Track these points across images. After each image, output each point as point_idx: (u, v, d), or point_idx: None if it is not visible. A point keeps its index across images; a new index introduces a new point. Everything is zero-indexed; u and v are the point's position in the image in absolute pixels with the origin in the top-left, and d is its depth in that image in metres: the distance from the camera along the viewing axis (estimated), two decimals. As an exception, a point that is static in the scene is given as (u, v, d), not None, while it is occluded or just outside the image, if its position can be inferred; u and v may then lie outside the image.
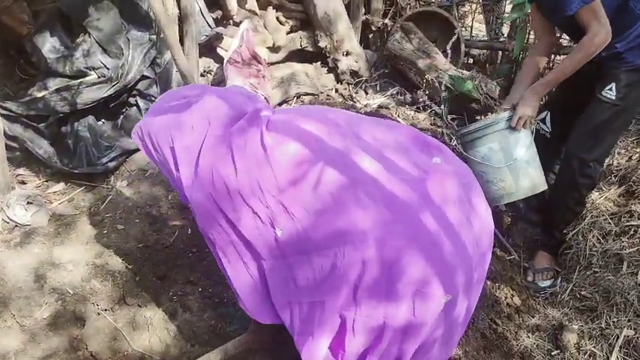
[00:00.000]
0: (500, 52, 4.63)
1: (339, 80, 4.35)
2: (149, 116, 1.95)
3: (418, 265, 1.52)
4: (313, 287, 1.62)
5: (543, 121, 2.80)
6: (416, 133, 1.91)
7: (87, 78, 2.95)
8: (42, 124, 2.95)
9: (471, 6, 4.83)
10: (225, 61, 3.55)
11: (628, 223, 2.66)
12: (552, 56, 3.75)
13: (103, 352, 2.21)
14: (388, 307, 1.54)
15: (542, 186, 2.63)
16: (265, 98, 3.59)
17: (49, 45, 2.98)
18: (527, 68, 2.76)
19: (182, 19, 3.34)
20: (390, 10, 4.75)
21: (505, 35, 4.78)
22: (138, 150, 3.16)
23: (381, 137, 1.80)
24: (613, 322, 2.39)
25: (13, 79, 3.42)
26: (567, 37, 3.18)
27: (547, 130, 2.80)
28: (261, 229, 1.68)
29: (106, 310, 2.35)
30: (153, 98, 3.15)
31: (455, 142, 3.68)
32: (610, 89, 2.43)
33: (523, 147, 2.55)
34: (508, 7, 4.78)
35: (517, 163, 2.54)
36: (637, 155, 3.00)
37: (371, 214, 1.56)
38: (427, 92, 4.05)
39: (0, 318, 2.26)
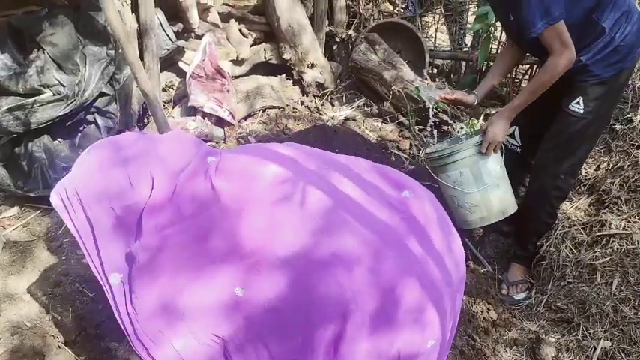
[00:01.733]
0: (464, 63, 4.66)
1: (304, 92, 4.30)
2: (77, 173, 1.75)
3: (414, 293, 1.46)
4: (286, 346, 1.51)
5: (512, 135, 2.79)
6: (381, 168, 1.82)
7: (41, 96, 2.80)
8: (-7, 146, 2.78)
9: (433, 17, 4.85)
10: (187, 75, 3.45)
11: (600, 233, 2.67)
12: (515, 66, 3.77)
13: (64, 388, 2.08)
14: (388, 336, 1.47)
15: (512, 208, 2.65)
16: (230, 112, 3.50)
17: (0, 62, 2.82)
18: (492, 70, 2.77)
19: (141, 33, 3.23)
20: (353, 21, 4.74)
21: (468, 45, 4.81)
22: (98, 170, 3.02)
23: (351, 165, 1.74)
24: (589, 333, 2.39)
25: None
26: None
27: (517, 144, 2.79)
28: (220, 290, 1.53)
29: (66, 343, 2.21)
30: (112, 115, 3.02)
31: (422, 153, 3.67)
32: (577, 103, 2.43)
33: (493, 171, 2.56)
34: (471, 18, 4.81)
35: (488, 188, 2.55)
36: (605, 164, 3.02)
37: (368, 238, 1.49)
38: (393, 103, 4.04)
39: (-50, 356, 2.10)
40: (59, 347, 2.19)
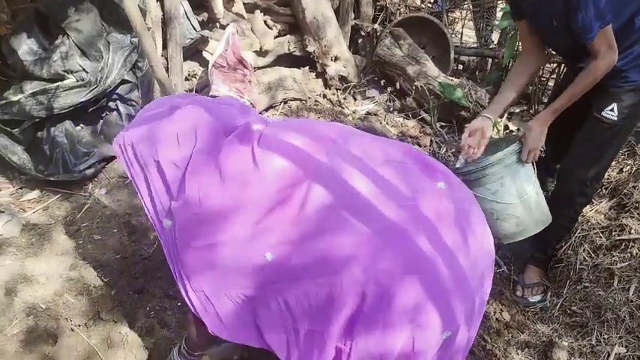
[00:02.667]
0: (490, 60, 4.58)
1: (327, 85, 4.28)
2: (133, 126, 1.85)
3: (411, 294, 1.44)
4: (309, 315, 1.55)
5: None
6: (419, 154, 1.80)
7: (65, 82, 2.84)
8: (16, 129, 2.83)
9: (460, 12, 4.78)
10: (210, 65, 3.46)
11: (619, 237, 2.60)
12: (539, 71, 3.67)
13: (75, 370, 2.11)
14: (385, 341, 1.47)
15: (550, 217, 2.47)
16: (251, 103, 3.50)
17: (25, 47, 2.87)
18: (510, 80, 2.62)
19: (166, 22, 3.25)
20: (379, 15, 4.70)
21: (495, 42, 4.73)
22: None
23: (378, 155, 1.71)
24: (604, 338, 2.34)
25: (-10, 81, 3.32)
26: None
27: (543, 149, 2.70)
28: (249, 252, 1.59)
29: (79, 326, 2.25)
30: (134, 103, 3.05)
31: (444, 149, 3.62)
32: (611, 110, 2.34)
33: (533, 179, 2.41)
34: (499, 14, 4.73)
35: (529, 197, 2.38)
36: (628, 168, 2.95)
37: (362, 240, 1.48)
38: (416, 99, 3.99)
39: (-33, 334, 2.15)
40: (72, 330, 2.23)
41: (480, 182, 2.38)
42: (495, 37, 4.87)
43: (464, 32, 4.96)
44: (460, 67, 4.94)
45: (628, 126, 2.41)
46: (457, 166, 2.47)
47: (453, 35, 4.75)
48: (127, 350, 2.19)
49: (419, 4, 4.92)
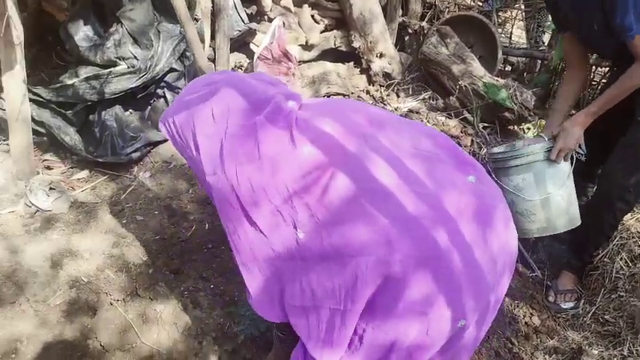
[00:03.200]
0: (539, 61, 4.49)
1: (371, 82, 4.29)
2: (175, 104, 1.94)
3: (423, 285, 1.46)
4: (331, 295, 1.57)
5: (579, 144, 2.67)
6: (453, 147, 1.80)
7: (116, 68, 2.97)
8: (70, 112, 2.97)
9: (511, 12, 4.70)
10: (255, 56, 3.54)
11: (660, 248, 2.54)
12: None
13: (111, 343, 2.22)
14: (398, 329, 1.50)
15: (576, 222, 2.48)
16: (293, 97, 3.56)
17: (82, 33, 3.01)
18: (562, 97, 2.63)
19: (215, 14, 3.34)
20: (427, 12, 4.67)
21: (546, 44, 4.64)
22: (163, 142, 3.18)
23: (407, 146, 1.72)
24: (637, 350, 2.29)
25: (49, 65, 3.49)
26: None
27: (582, 153, 2.64)
28: (282, 228, 1.63)
29: (118, 301, 2.36)
30: (180, 91, 3.15)
31: (484, 151, 3.58)
32: None
33: (560, 181, 2.39)
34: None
35: (551, 197, 2.38)
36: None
37: (379, 229, 1.50)
38: (459, 98, 3.96)
39: (15, 302, 2.28)
40: (110, 304, 2.34)
41: (506, 172, 2.46)
42: (547, 38, 4.77)
43: (515, 33, 4.88)
44: (509, 68, 4.86)
45: None
46: (493, 150, 2.58)
47: (503, 35, 4.68)
48: (160, 326, 2.29)
49: (469, 2, 4.87)
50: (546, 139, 2.46)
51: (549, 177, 2.39)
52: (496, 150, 2.59)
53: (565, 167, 2.42)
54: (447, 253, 1.49)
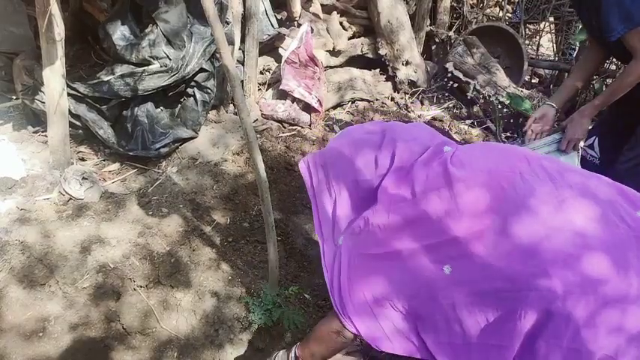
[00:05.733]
0: (566, 74, 4.49)
1: (396, 89, 4.37)
2: (330, 148, 1.98)
3: (591, 322, 1.44)
4: (485, 330, 1.57)
5: (591, 146, 2.71)
6: (619, 186, 1.74)
7: (150, 66, 3.11)
8: (104, 106, 3.11)
9: (539, 25, 4.72)
10: (282, 60, 3.64)
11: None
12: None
13: (133, 326, 2.33)
14: None
15: None
16: (318, 100, 3.65)
17: (119, 33, 3.15)
18: (575, 74, 2.74)
19: (246, 18, 3.46)
20: (456, 22, 4.73)
21: (573, 56, 4.64)
22: (190, 139, 3.30)
23: (580, 183, 1.67)
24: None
25: (88, 62, 3.65)
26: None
27: (596, 155, 2.70)
28: (427, 264, 1.65)
29: (141, 287, 2.47)
30: (209, 91, 3.28)
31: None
32: None
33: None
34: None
35: None
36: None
37: (569, 274, 1.48)
38: (483, 108, 4.01)
39: (45, 283, 2.42)
40: (134, 290, 2.46)
41: None
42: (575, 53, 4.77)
43: (544, 45, 4.90)
44: (536, 80, 4.88)
45: None
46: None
47: (530, 47, 4.70)
48: (180, 313, 2.40)
49: (497, 13, 4.91)
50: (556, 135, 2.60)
51: None
52: (512, 144, 2.71)
53: (574, 157, 2.56)
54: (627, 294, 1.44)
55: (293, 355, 2.02)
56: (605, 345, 1.44)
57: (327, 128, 3.81)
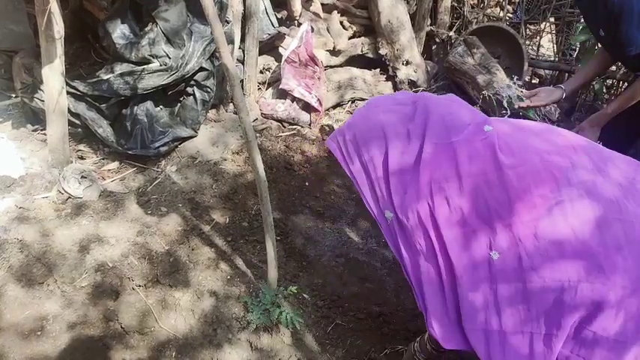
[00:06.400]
0: (566, 74, 4.49)
1: (396, 89, 4.35)
2: (357, 120, 1.87)
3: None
4: (528, 318, 1.55)
5: None
6: None
7: (150, 65, 3.10)
8: (104, 105, 3.11)
9: (539, 25, 4.71)
10: (282, 60, 3.64)
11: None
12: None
13: (132, 325, 2.33)
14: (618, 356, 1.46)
15: None
16: (318, 99, 3.65)
17: (119, 31, 3.14)
18: (583, 70, 2.76)
19: (246, 17, 3.46)
20: (456, 22, 4.72)
21: (574, 57, 4.63)
22: (189, 138, 3.29)
23: (623, 173, 1.66)
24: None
25: (88, 61, 3.64)
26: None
27: None
28: (474, 250, 1.61)
29: (139, 286, 2.47)
30: (209, 89, 3.27)
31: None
32: None
33: None
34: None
35: None
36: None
37: (628, 263, 1.47)
38: (483, 108, 3.99)
39: (44, 282, 2.41)
40: (132, 289, 2.46)
41: None
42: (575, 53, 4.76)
43: (544, 45, 4.89)
44: (537, 80, 4.87)
45: None
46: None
47: (531, 47, 4.70)
48: (178, 313, 2.39)
49: (497, 13, 4.90)
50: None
51: None
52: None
53: None
54: None
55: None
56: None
57: (326, 128, 3.80)
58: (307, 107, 3.69)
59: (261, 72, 3.88)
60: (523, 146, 1.65)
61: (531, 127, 1.78)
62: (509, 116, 3.80)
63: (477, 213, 1.60)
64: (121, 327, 2.33)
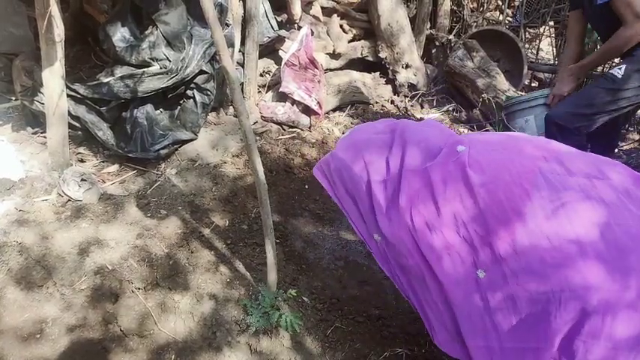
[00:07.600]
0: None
1: (396, 92, 4.37)
2: (339, 152, 1.98)
3: (628, 322, 1.44)
4: (519, 333, 1.57)
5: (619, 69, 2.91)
6: (633, 173, 1.74)
7: (150, 68, 3.10)
8: (104, 108, 3.11)
9: (538, 29, 4.72)
10: (282, 63, 3.64)
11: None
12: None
13: (131, 328, 2.32)
14: None
15: None
16: (318, 102, 3.65)
17: (119, 34, 3.15)
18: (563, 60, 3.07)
19: (246, 20, 3.47)
20: (456, 26, 4.73)
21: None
22: (189, 141, 3.29)
23: (594, 175, 1.68)
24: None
25: (88, 64, 3.65)
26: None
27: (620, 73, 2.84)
28: (460, 270, 1.66)
29: (139, 289, 2.46)
30: (209, 93, 3.28)
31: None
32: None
33: None
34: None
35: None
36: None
37: (601, 271, 1.48)
38: (483, 111, 4.01)
39: (43, 285, 2.41)
40: (132, 292, 2.45)
41: (513, 116, 3.14)
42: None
43: (544, 49, 4.90)
44: (536, 83, 4.88)
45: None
46: (507, 94, 3.49)
47: (530, 50, 4.71)
48: (177, 316, 2.39)
49: (497, 17, 4.91)
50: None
51: None
52: (509, 94, 3.30)
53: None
54: None
55: None
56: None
57: (326, 130, 3.81)
58: (307, 110, 3.70)
59: (261, 75, 3.89)
60: (493, 161, 1.69)
61: (501, 141, 1.84)
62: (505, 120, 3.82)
63: (458, 234, 1.65)
64: (121, 330, 2.32)
